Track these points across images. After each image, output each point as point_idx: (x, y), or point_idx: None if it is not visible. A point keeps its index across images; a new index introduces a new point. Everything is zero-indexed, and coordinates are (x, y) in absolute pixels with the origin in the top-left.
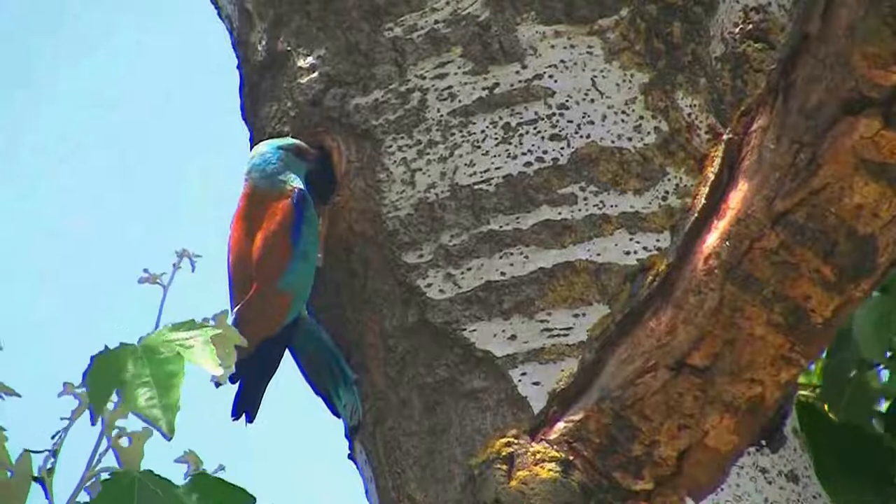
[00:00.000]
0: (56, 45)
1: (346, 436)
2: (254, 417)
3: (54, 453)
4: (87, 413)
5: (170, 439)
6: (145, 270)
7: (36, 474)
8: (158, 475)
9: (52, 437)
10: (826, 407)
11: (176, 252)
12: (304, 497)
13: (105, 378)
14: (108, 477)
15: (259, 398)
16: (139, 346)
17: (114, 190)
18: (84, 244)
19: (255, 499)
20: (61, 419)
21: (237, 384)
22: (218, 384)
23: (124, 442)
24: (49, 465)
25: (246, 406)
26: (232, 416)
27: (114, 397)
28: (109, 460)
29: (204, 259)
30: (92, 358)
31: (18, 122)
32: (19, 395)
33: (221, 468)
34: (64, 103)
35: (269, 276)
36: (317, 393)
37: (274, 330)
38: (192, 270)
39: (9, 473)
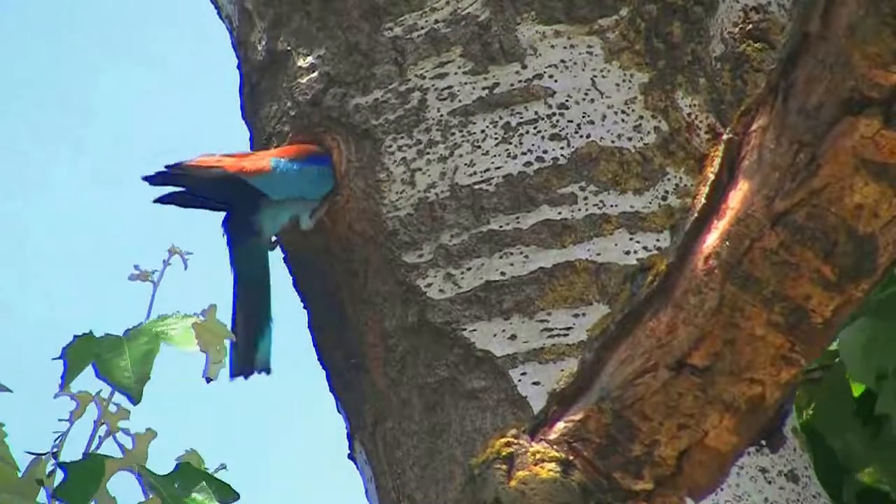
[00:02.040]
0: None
1: (347, 436)
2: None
3: (55, 455)
4: (86, 414)
5: (135, 404)
6: (136, 267)
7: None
8: (140, 465)
9: (55, 440)
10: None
11: (167, 250)
12: (303, 497)
13: (82, 353)
14: (78, 460)
15: (252, 344)
16: (122, 337)
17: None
18: (76, 243)
19: (238, 496)
20: (59, 420)
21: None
22: (209, 380)
23: (128, 443)
24: (50, 468)
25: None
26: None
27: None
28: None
29: (196, 256)
30: (74, 336)
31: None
32: (10, 391)
33: (223, 467)
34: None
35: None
36: (323, 366)
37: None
38: (185, 268)
39: (19, 474)
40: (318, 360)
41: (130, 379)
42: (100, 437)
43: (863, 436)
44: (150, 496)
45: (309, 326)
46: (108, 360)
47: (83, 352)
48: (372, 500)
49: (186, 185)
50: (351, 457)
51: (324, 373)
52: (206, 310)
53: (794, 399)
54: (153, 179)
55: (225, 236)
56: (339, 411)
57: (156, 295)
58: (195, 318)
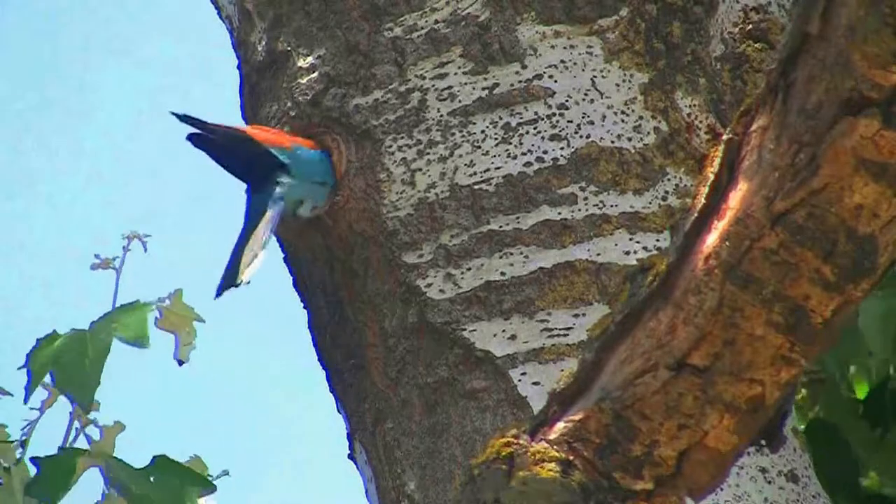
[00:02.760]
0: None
1: (347, 436)
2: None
3: (23, 444)
4: (57, 405)
5: (87, 412)
6: (97, 256)
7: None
8: (117, 458)
9: (23, 429)
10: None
11: (124, 235)
12: (304, 497)
13: (44, 359)
14: (53, 455)
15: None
16: (88, 332)
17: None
18: (38, 229)
19: (215, 487)
20: (31, 409)
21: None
22: (181, 362)
23: (96, 434)
24: (18, 455)
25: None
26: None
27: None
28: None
29: (157, 239)
30: (37, 340)
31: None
32: (11, 394)
33: (225, 473)
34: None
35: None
36: (323, 366)
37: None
38: (145, 250)
39: (11, 469)
40: (318, 360)
41: (79, 387)
42: (76, 428)
43: (868, 439)
44: (110, 491)
45: (309, 326)
46: (66, 365)
47: (45, 357)
48: (372, 501)
49: (209, 145)
50: (351, 457)
51: (324, 373)
52: (171, 294)
53: (794, 399)
54: (185, 119)
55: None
56: (339, 411)
57: (120, 283)
58: (153, 305)
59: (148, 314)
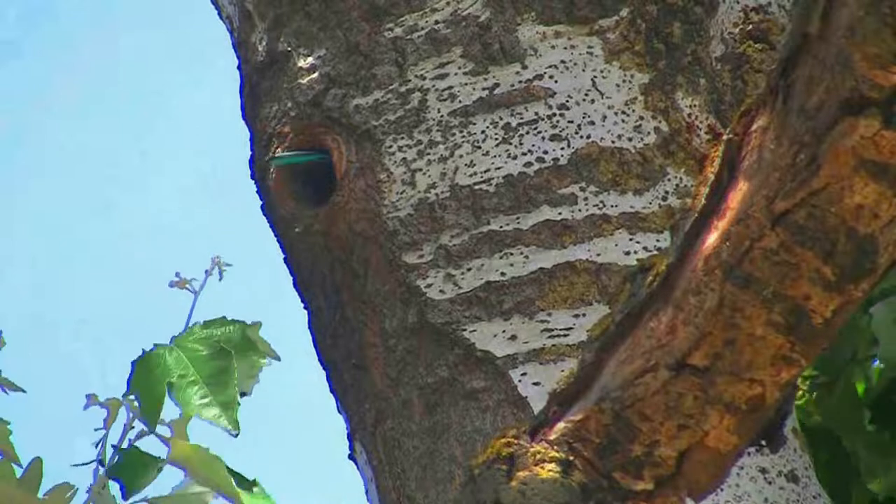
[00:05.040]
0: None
1: (348, 436)
2: None
3: (101, 462)
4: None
5: (236, 436)
6: (177, 274)
7: (87, 489)
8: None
9: (96, 448)
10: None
11: (211, 259)
12: (304, 497)
13: (151, 383)
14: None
15: None
16: (174, 346)
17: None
18: (107, 249)
19: (257, 482)
20: (95, 430)
21: None
22: (243, 394)
23: (166, 432)
24: (102, 474)
25: None
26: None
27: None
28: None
29: (233, 268)
30: (133, 364)
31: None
32: (24, 391)
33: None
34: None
35: None
36: (323, 366)
37: None
38: (220, 279)
39: (18, 472)
40: (318, 360)
41: (215, 407)
42: (129, 439)
43: (875, 443)
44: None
45: (309, 326)
46: (181, 389)
47: (151, 379)
48: (372, 501)
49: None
50: (351, 457)
51: (324, 373)
52: (252, 324)
53: (794, 399)
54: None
55: None
56: (339, 411)
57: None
58: (242, 323)
59: (245, 332)
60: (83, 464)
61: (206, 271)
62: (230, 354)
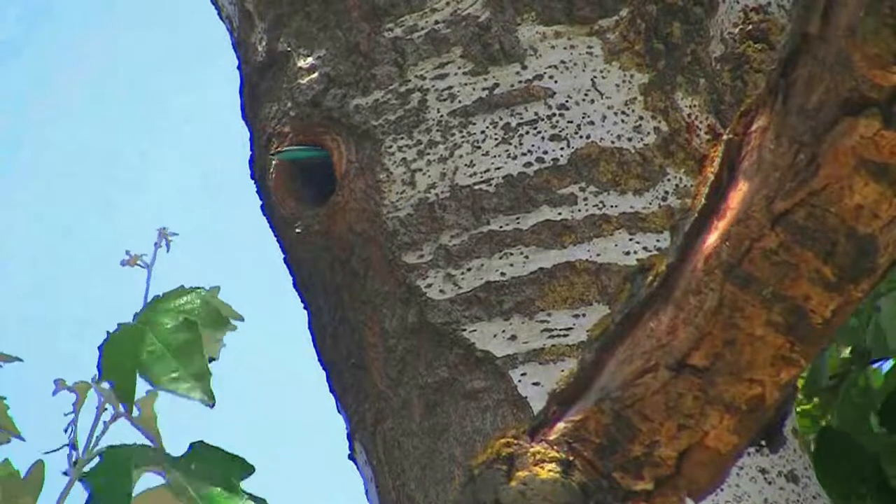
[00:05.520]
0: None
1: (347, 436)
2: None
3: (73, 446)
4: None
5: (212, 406)
6: (127, 252)
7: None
8: (154, 448)
9: (68, 433)
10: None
11: (157, 231)
12: (304, 497)
13: (122, 362)
14: (105, 448)
15: None
16: (138, 323)
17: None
18: (63, 229)
19: (253, 468)
20: (65, 415)
21: None
22: (211, 359)
23: (134, 412)
24: (74, 458)
25: None
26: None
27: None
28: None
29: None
30: (100, 348)
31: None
32: (20, 360)
33: None
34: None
35: None
36: (323, 366)
37: None
38: (167, 251)
39: (22, 474)
40: (318, 360)
41: (187, 381)
42: (104, 422)
43: (886, 444)
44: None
45: (309, 326)
46: (151, 366)
47: (121, 360)
48: (372, 501)
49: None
50: (351, 457)
51: (324, 373)
52: (211, 289)
53: (794, 399)
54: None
55: None
56: (339, 411)
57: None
58: (200, 289)
59: (206, 298)
60: (54, 450)
61: (155, 244)
62: (195, 324)
